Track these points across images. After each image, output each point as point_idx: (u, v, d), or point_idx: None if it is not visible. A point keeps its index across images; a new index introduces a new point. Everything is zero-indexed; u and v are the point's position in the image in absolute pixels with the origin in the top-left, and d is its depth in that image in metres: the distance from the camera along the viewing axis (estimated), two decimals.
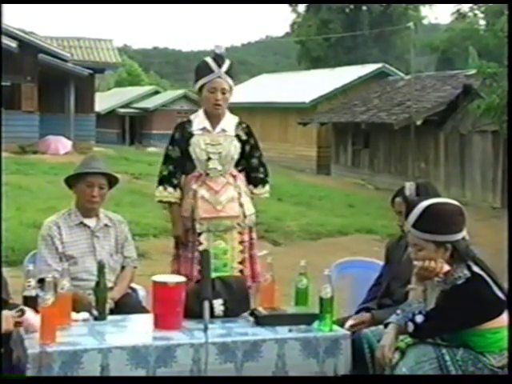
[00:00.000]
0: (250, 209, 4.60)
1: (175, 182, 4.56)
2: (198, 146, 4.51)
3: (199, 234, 4.49)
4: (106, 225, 4.18)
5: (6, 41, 18.98)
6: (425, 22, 44.48)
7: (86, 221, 4.13)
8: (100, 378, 3.09)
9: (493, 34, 18.34)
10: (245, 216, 4.55)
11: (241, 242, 4.54)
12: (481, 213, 13.44)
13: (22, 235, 8.20)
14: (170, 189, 4.55)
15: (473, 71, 16.46)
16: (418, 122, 17.71)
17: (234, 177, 4.58)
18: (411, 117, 17.86)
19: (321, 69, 31.83)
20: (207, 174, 4.52)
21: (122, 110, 39.10)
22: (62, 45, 24.98)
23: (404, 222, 3.40)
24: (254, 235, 4.68)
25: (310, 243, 10.10)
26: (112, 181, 4.21)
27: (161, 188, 4.58)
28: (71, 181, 4.16)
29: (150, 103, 39.05)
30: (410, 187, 3.68)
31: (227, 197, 4.51)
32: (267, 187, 4.76)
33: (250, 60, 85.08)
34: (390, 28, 36.13)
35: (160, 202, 4.65)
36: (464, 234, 3.24)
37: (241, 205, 4.54)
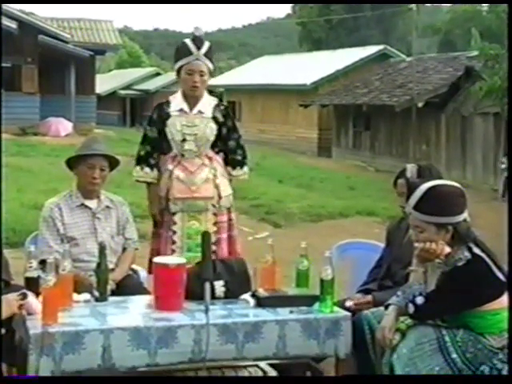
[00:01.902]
0: (226, 190, 4.62)
1: (152, 162, 4.62)
2: (174, 126, 4.55)
3: (173, 214, 4.55)
4: (107, 206, 4.18)
5: (5, 22, 18.91)
6: (427, 3, 44.22)
7: (87, 202, 4.14)
8: (100, 378, 3.10)
9: (495, 16, 18.26)
10: (220, 197, 4.58)
11: (215, 223, 4.57)
12: (482, 195, 13.44)
13: (23, 217, 8.20)
14: (147, 169, 4.61)
15: (475, 53, 16.38)
16: (420, 104, 17.66)
17: (210, 158, 4.61)
18: (413, 99, 17.82)
19: (322, 50, 31.72)
20: (183, 155, 4.56)
21: (123, 92, 38.99)
22: (63, 26, 24.89)
23: (406, 204, 3.40)
24: (233, 216, 4.72)
25: (310, 225, 10.11)
26: (113, 163, 4.21)
27: (138, 168, 4.65)
28: (72, 162, 4.16)
29: (150, 85, 38.93)
30: (411, 169, 3.68)
31: (202, 178, 4.54)
32: (245, 169, 4.77)
33: (251, 42, 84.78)
34: (392, 9, 35.96)
35: (137, 181, 4.71)
36: (465, 216, 3.24)
37: (216, 186, 4.57)
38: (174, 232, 4.55)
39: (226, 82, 28.45)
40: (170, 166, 4.57)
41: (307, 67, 25.87)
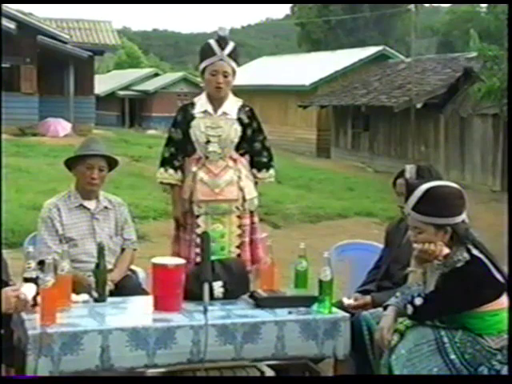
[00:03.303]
0: (250, 193, 4.54)
1: (176, 164, 4.54)
2: (198, 128, 4.49)
3: (197, 217, 4.47)
4: (105, 207, 4.18)
5: (4, 22, 18.88)
6: (426, 4, 44.28)
7: (86, 203, 4.13)
8: (98, 379, 3.10)
9: (494, 17, 18.24)
10: (244, 200, 4.50)
11: (239, 226, 4.50)
12: (480, 196, 13.44)
13: (21, 217, 8.20)
14: (171, 171, 4.54)
15: (473, 54, 16.37)
16: (418, 105, 17.66)
17: (235, 160, 4.55)
18: (411, 100, 17.81)
19: (321, 51, 31.70)
20: (207, 157, 4.49)
21: (122, 93, 38.96)
22: (61, 26, 24.85)
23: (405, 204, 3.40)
24: (256, 219, 4.63)
25: (309, 226, 10.11)
26: (112, 163, 4.21)
27: (162, 170, 4.57)
28: (71, 163, 4.16)
29: (149, 86, 38.92)
30: (410, 170, 3.68)
31: (226, 180, 4.48)
32: (271, 171, 4.69)
33: (249, 42, 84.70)
34: (391, 10, 35.96)
35: (161, 183, 4.65)
36: (464, 216, 3.24)
37: (240, 188, 4.50)
38: (198, 235, 4.36)
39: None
40: (194, 168, 4.48)
41: (306, 68, 25.87)
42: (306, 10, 40.48)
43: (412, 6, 22.80)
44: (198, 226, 4.45)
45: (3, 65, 18.83)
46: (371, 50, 26.35)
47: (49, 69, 21.46)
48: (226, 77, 4.45)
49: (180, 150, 4.55)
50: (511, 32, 8.84)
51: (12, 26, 19.57)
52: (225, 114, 4.53)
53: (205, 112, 4.52)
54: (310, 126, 24.21)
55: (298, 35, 43.24)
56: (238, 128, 4.52)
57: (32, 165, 14.22)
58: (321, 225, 10.23)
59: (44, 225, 4.05)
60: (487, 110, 15.33)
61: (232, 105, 4.57)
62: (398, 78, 21.24)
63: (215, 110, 4.53)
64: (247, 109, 4.62)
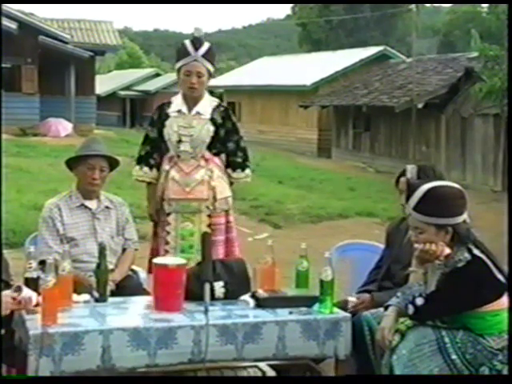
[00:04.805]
0: (222, 192, 4.58)
1: (152, 162, 4.64)
2: (171, 127, 4.55)
3: (168, 215, 4.56)
4: (106, 207, 4.18)
5: (5, 22, 18.90)
6: (426, 4, 44.28)
7: (87, 203, 4.14)
8: (99, 379, 3.10)
9: (495, 17, 18.24)
10: (215, 199, 4.54)
11: (209, 225, 4.53)
12: (481, 196, 13.43)
13: (22, 217, 8.21)
14: (146, 168, 4.64)
15: (475, 54, 16.38)
16: (420, 105, 17.66)
17: (207, 160, 4.58)
18: (412, 100, 17.81)
19: (322, 51, 31.71)
20: (179, 156, 4.56)
21: (123, 93, 38.98)
22: (62, 26, 24.86)
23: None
24: (232, 218, 4.69)
25: (310, 226, 10.11)
26: (113, 163, 4.21)
27: (137, 167, 4.68)
28: (72, 163, 4.16)
29: (150, 86, 38.93)
30: (411, 170, 3.67)
31: (196, 179, 4.53)
32: (247, 171, 4.72)
33: (250, 42, 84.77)
34: (392, 10, 35.97)
35: (137, 180, 4.73)
36: (465, 217, 3.24)
37: (211, 188, 4.54)
38: (168, 232, 4.55)
39: (226, 83, 28.43)
40: (167, 167, 4.58)
41: (307, 68, 25.87)
42: (306, 10, 40.49)
43: (413, 6, 22.83)
44: (169, 223, 4.56)
45: (4, 65, 18.83)
46: (372, 50, 26.35)
47: (50, 69, 21.47)
48: (199, 77, 4.48)
49: (156, 148, 4.65)
50: (511, 32, 8.84)
51: (13, 26, 19.58)
52: (198, 113, 4.57)
53: (179, 111, 4.58)
54: (311, 126, 24.21)
55: (298, 35, 43.26)
56: (210, 128, 4.56)
57: (33, 165, 14.23)
58: (322, 225, 10.23)
59: (45, 225, 4.05)
60: (488, 110, 15.33)
61: (207, 105, 4.60)
62: (399, 78, 21.23)
63: (189, 110, 4.57)
64: (222, 109, 4.65)
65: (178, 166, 4.55)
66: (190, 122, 4.54)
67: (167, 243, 4.54)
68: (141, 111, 38.56)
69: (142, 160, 4.67)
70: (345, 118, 21.94)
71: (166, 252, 4.51)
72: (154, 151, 4.65)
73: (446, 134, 17.63)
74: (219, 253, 4.55)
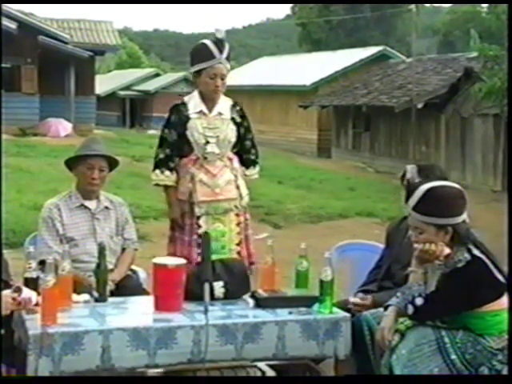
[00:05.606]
0: (245, 190, 4.62)
1: (172, 165, 4.54)
2: (196, 129, 4.49)
3: (198, 217, 4.48)
4: (106, 207, 4.18)
5: (5, 22, 18.90)
6: (426, 4, 44.29)
7: (87, 203, 4.13)
8: (99, 379, 3.10)
9: (495, 17, 18.25)
10: (241, 197, 4.56)
11: (238, 224, 4.56)
12: (481, 196, 13.43)
13: (22, 217, 8.21)
14: (167, 172, 4.53)
15: (474, 54, 16.36)
16: (419, 105, 17.65)
17: (231, 160, 4.59)
18: (412, 100, 17.81)
19: (322, 51, 31.69)
20: (205, 158, 4.50)
21: (123, 93, 38.96)
22: (62, 26, 24.87)
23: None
24: (248, 216, 4.70)
25: (310, 226, 10.11)
26: (112, 163, 4.21)
27: (157, 171, 4.55)
28: (72, 163, 4.16)
29: (150, 86, 38.92)
30: (411, 170, 3.67)
31: (225, 180, 4.51)
32: (257, 168, 4.78)
33: (250, 42, 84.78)
34: (392, 10, 35.97)
35: (157, 185, 4.63)
36: (464, 217, 3.24)
37: (237, 187, 4.55)
38: (200, 235, 4.38)
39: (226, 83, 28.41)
40: (192, 169, 4.48)
41: (307, 68, 25.86)
42: (306, 10, 40.49)
43: (413, 6, 22.82)
44: (199, 226, 4.47)
45: (4, 65, 18.82)
46: (372, 50, 26.35)
47: (50, 69, 21.47)
48: (223, 79, 4.48)
49: (175, 151, 4.54)
50: (511, 32, 8.83)
51: (13, 26, 19.58)
52: (219, 114, 4.55)
53: (200, 112, 4.53)
54: (311, 126, 24.20)
55: (298, 35, 43.25)
56: (233, 128, 4.56)
57: (33, 165, 14.23)
58: (321, 225, 10.23)
59: (45, 225, 4.05)
60: (488, 110, 15.32)
61: (224, 104, 4.60)
62: (398, 78, 21.23)
63: (210, 110, 4.54)
64: (238, 108, 4.67)
65: (204, 168, 4.49)
66: (213, 123, 4.51)
67: (199, 246, 4.32)
68: (141, 111, 38.56)
69: (162, 163, 4.53)
70: (345, 118, 21.94)
71: (199, 255, 4.29)
72: (174, 154, 4.53)
73: (446, 134, 17.63)
74: (244, 251, 4.55)
